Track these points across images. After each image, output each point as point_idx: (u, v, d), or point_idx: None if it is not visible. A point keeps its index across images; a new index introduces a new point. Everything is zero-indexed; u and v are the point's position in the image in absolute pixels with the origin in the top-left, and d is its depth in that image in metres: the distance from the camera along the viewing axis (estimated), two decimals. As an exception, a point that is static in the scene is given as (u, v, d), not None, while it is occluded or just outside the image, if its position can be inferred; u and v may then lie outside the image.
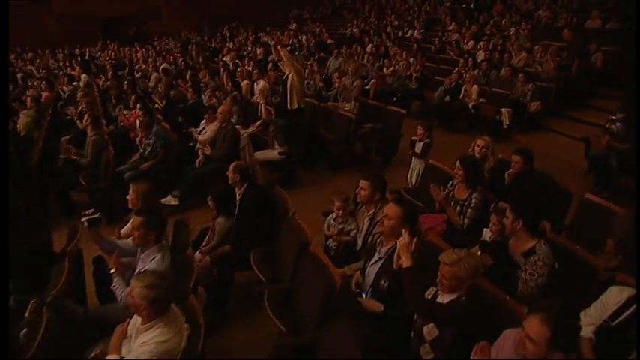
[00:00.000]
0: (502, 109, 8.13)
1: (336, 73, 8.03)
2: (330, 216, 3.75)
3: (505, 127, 8.12)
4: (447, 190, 4.08)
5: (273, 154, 6.47)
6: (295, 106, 6.78)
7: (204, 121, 6.66)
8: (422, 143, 5.54)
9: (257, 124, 7.02)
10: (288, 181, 6.69)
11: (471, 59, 9.71)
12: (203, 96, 8.98)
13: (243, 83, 9.33)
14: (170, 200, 6.03)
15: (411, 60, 10.86)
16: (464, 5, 17.73)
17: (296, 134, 6.51)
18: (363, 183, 3.47)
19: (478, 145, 4.67)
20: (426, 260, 2.77)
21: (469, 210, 3.83)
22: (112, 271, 3.05)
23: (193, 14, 24.46)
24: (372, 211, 3.50)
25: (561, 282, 3.00)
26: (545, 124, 8.64)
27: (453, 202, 3.99)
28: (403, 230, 2.63)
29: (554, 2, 15.12)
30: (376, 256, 2.96)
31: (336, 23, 20.19)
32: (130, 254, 3.21)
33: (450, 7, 17.54)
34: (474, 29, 12.86)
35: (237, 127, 7.35)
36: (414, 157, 5.64)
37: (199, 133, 6.60)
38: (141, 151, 5.98)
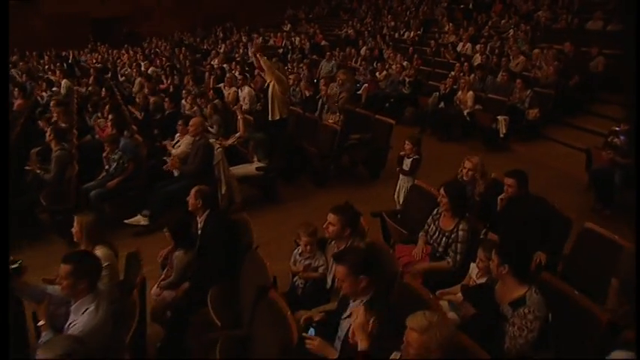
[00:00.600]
0: (499, 117, 7.73)
1: (323, 80, 7.62)
2: (297, 249, 3.34)
3: (502, 135, 7.74)
4: (428, 222, 3.66)
5: (251, 168, 6.07)
6: (277, 117, 6.39)
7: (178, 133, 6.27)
8: (410, 159, 5.14)
9: (236, 136, 6.63)
10: (268, 197, 6.32)
11: (466, 64, 9.30)
12: (184, 102, 8.62)
13: (230, 91, 8.93)
14: (139, 220, 5.64)
15: (405, 64, 10.45)
16: (462, 5, 17.32)
17: (276, 148, 6.11)
18: (331, 217, 3.06)
19: (465, 167, 4.25)
20: (400, 310, 2.37)
21: (458, 245, 3.42)
22: (39, 323, 2.64)
23: (187, 15, 24.04)
24: (343, 247, 3.09)
25: (556, 336, 2.59)
26: (544, 132, 8.27)
27: (437, 233, 3.58)
28: (358, 310, 2.22)
29: (554, 3, 14.69)
30: (348, 311, 2.57)
31: (332, 24, 19.82)
32: (63, 303, 2.81)
33: (447, 8, 17.11)
34: (471, 31, 12.44)
35: (217, 140, 7.04)
36: (401, 174, 5.23)
37: (174, 146, 6.21)
38: (106, 167, 5.57)
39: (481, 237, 3.59)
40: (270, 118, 6.46)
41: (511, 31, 12.17)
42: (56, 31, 20.95)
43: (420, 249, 3.56)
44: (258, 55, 6.13)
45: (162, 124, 7.07)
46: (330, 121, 6.71)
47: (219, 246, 3.67)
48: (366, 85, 10.19)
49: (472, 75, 8.96)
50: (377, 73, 10.46)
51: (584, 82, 8.59)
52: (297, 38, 16.53)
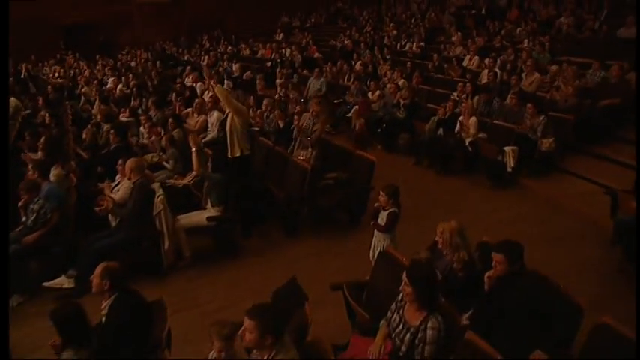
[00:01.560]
0: (505, 148, 7.20)
1: (298, 107, 7.15)
2: (211, 353, 2.80)
3: (510, 169, 7.20)
4: (392, 309, 3.12)
5: (201, 217, 5.57)
6: (237, 154, 5.95)
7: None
8: (387, 213, 4.61)
9: (192, 175, 6.16)
10: (225, 250, 5.81)
11: (469, 84, 8.79)
12: (142, 129, 8.20)
13: (199, 119, 8.50)
14: (63, 282, 5.16)
15: (401, 82, 9.99)
16: (473, 11, 16.95)
17: (233, 191, 5.63)
18: (247, 322, 2.53)
19: (440, 233, 3.73)
20: None
21: (425, 347, 2.86)
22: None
23: (170, 22, 23.91)
24: (265, 358, 2.56)
25: None
26: (562, 165, 7.70)
27: (401, 326, 3.03)
28: None
29: (579, 6, 14.25)
30: None
31: (329, 33, 19.56)
32: None
33: (456, 14, 16.74)
34: (480, 42, 11.98)
35: (173, 177, 6.59)
36: (375, 230, 4.71)
37: (113, 190, 5.74)
38: (23, 219, 5.10)
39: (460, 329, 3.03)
40: (229, 155, 6.01)
41: (525, 42, 11.68)
42: (23, 37, 20.67)
43: (378, 346, 3.01)
44: (212, 83, 5.68)
45: (106, 160, 6.60)
46: (301, 158, 6.23)
47: (125, 339, 3.15)
48: (357, 107, 9.77)
49: (476, 97, 8.46)
50: (370, 93, 10.00)
51: (615, 105, 7.98)
52: (288, 50, 16.17)
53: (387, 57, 12.95)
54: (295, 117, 6.97)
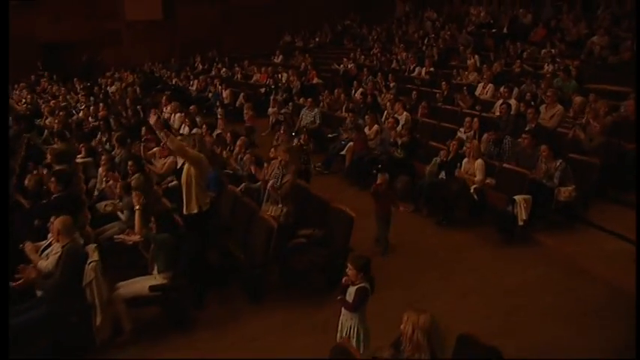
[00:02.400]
0: (516, 197, 6.74)
1: (272, 151, 6.75)
2: None
3: (521, 223, 6.71)
4: None
5: (144, 285, 5.17)
6: (194, 210, 5.57)
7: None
8: (355, 288, 4.16)
9: (135, 233, 5.78)
10: (174, 323, 5.40)
11: (476, 119, 8.40)
12: (100, 173, 7.91)
13: (166, 161, 8.19)
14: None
15: (402, 116, 9.63)
16: (494, 30, 16.69)
17: (186, 254, 5.25)
18: None
19: (403, 323, 3.30)
20: None
21: None
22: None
23: (161, 41, 24.03)
24: None
25: None
26: (585, 215, 7.22)
27: None
28: None
29: (615, 24, 13.85)
30: None
31: (333, 54, 19.45)
32: None
33: (474, 33, 16.50)
34: (496, 68, 11.61)
35: (124, 232, 6.23)
36: (343, 308, 4.26)
37: (41, 253, 5.37)
38: None
39: None
40: (184, 212, 5.64)
41: (546, 66, 11.28)
42: (-4, 56, 20.85)
43: None
44: (162, 134, 5.35)
45: (46, 212, 6.25)
46: (270, 213, 5.84)
47: None
48: (352, 143, 9.45)
49: (485, 134, 8.04)
50: (366, 128, 9.67)
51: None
52: (285, 74, 15.99)
53: (392, 84, 12.61)
54: (265, 165, 6.62)
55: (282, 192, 5.83)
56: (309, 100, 11.48)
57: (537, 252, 6.65)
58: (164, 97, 13.00)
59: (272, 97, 14.28)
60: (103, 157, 7.88)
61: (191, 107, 11.29)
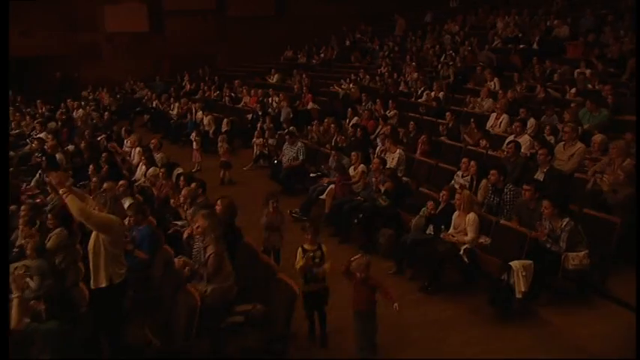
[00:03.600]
0: (513, 264, 6.29)
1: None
2: None
3: (519, 295, 6.24)
4: None
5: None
6: (102, 284, 5.23)
7: None
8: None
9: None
10: None
11: (473, 162, 7.99)
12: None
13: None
14: None
15: (396, 154, 9.29)
16: (522, 45, 16.28)
17: (82, 343, 4.93)
18: None
19: None
20: None
21: None
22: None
23: (147, 56, 24.15)
24: None
25: None
26: (603, 286, 6.71)
27: None
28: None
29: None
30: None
31: (337, 73, 19.22)
32: None
33: (499, 50, 16.15)
34: (513, 94, 11.19)
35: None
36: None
37: None
38: None
39: None
40: (91, 286, 5.33)
41: (570, 90, 10.83)
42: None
43: None
44: (64, 194, 5.06)
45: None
46: (199, 287, 5.49)
47: None
48: (332, 186, 9.29)
49: (483, 181, 7.64)
50: (351, 169, 9.41)
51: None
52: (276, 98, 15.81)
53: (391, 112, 12.29)
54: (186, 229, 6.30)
55: (208, 270, 5.46)
56: (289, 137, 11.17)
57: (539, 332, 6.17)
58: (122, 129, 12.81)
59: (258, 125, 14.07)
60: (24, 207, 7.58)
61: (152, 141, 11.03)
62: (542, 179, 7.69)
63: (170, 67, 23.98)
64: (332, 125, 11.93)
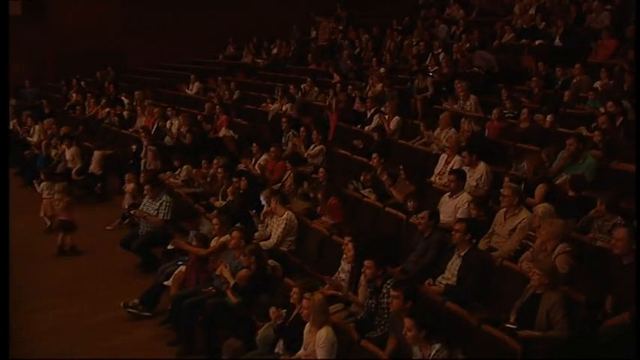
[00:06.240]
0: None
1: None
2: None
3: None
4: None
5: None
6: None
7: None
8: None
9: None
10: None
11: (350, 244, 7.81)
12: None
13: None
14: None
15: (281, 222, 9.44)
16: (538, 41, 16.20)
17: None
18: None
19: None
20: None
21: None
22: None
23: (18, 52, 23.95)
24: None
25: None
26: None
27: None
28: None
29: None
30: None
31: (281, 82, 19.18)
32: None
33: (508, 47, 16.68)
34: (467, 129, 11.09)
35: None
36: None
37: None
38: None
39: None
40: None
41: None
42: None
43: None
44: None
45: None
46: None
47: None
48: (182, 268, 9.40)
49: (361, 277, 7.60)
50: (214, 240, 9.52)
51: None
52: (176, 121, 15.85)
53: (312, 150, 12.30)
54: None
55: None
56: (150, 179, 11.06)
57: None
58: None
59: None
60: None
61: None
62: (457, 267, 7.55)
63: (55, 69, 24.11)
64: (219, 168, 11.73)
